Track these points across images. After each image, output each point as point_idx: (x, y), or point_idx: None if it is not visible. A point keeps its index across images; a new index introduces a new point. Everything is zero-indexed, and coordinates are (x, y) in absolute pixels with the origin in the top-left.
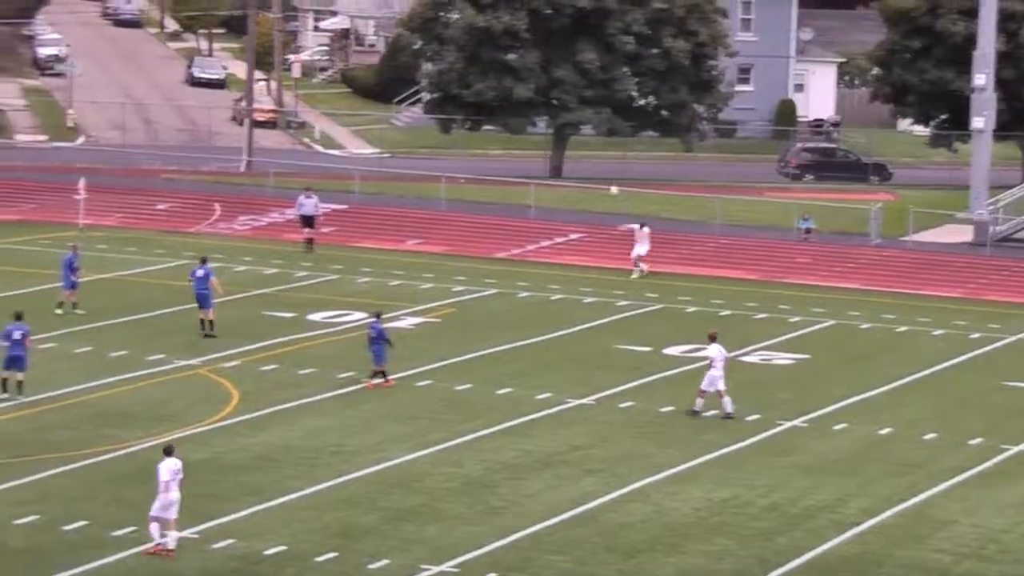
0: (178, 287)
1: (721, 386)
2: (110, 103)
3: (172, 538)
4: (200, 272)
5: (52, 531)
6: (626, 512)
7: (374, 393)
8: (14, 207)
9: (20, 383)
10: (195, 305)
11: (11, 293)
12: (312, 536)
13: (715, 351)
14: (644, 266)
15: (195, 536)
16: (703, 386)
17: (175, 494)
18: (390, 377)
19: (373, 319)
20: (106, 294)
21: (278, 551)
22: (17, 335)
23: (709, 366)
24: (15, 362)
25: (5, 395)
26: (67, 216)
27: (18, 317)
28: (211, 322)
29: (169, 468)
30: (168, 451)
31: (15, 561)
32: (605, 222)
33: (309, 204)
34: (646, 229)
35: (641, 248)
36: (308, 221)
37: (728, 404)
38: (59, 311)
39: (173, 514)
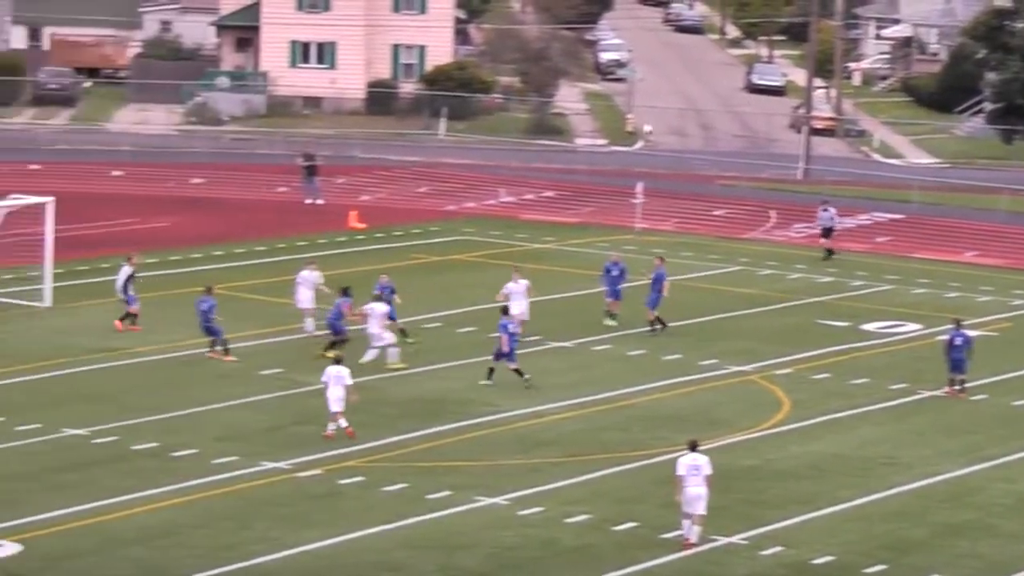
0: (733, 293)
1: None
2: (669, 108)
3: (694, 531)
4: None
5: (603, 531)
6: None
7: (927, 405)
8: (573, 210)
9: (491, 371)
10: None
11: (567, 294)
12: (861, 547)
13: None
14: None
15: (744, 542)
16: None
17: (698, 489)
18: (956, 387)
19: (953, 328)
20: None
21: (826, 561)
22: (512, 328)
23: None
24: (508, 355)
25: (488, 382)
26: (624, 219)
27: (505, 312)
28: (659, 319)
29: (685, 463)
30: (692, 446)
31: (567, 559)
32: None
33: (825, 216)
34: None
35: None
36: (827, 232)
37: None
38: (609, 322)
39: (699, 509)
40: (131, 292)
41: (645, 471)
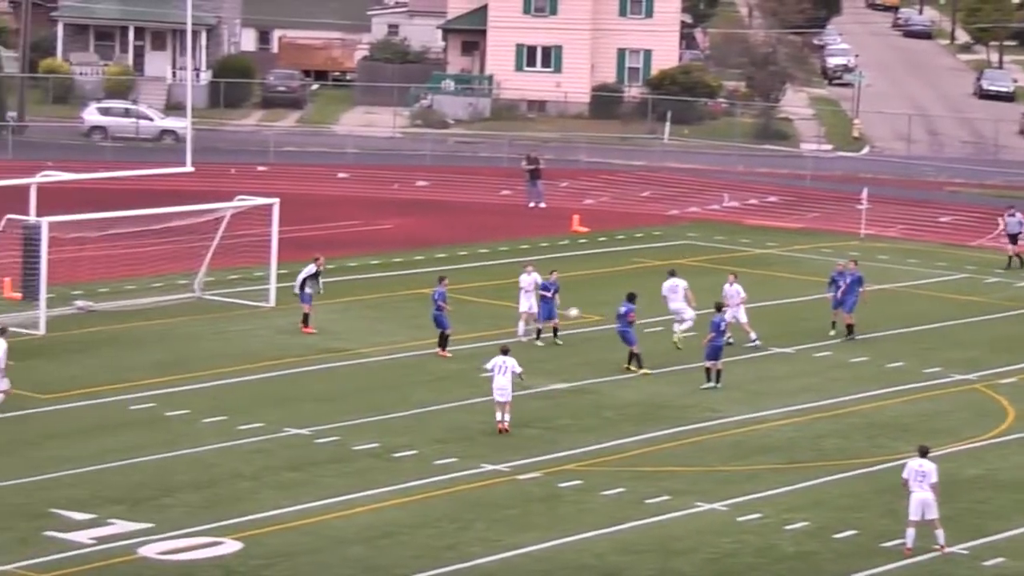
0: (958, 301)
1: None
2: (896, 114)
3: (938, 534)
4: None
5: (822, 538)
6: None
7: None
8: (797, 215)
9: (719, 372)
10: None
11: (788, 300)
12: None
13: None
14: None
15: (965, 552)
16: None
17: (923, 495)
18: None
19: None
20: (885, 305)
21: None
22: (724, 326)
23: None
24: (717, 352)
25: (709, 384)
26: (848, 226)
27: (719, 308)
28: (850, 326)
29: (912, 468)
30: (923, 452)
31: (786, 566)
32: None
33: (1012, 222)
34: None
35: None
36: (1013, 238)
37: None
38: (833, 332)
39: (930, 514)
40: (307, 291)
41: (865, 479)
